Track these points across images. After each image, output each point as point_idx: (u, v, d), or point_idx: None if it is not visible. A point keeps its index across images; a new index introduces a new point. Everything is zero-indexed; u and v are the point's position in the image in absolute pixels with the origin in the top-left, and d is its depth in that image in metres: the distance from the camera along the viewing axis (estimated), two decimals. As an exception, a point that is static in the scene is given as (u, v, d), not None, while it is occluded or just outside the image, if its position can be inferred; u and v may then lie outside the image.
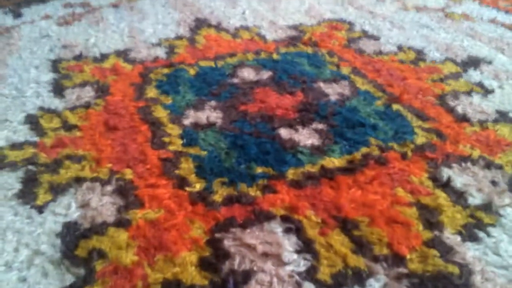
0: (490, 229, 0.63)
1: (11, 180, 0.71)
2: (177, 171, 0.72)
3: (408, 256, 0.58)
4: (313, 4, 1.54)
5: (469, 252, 0.59)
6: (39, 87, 0.98)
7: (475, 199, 0.68)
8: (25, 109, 0.89)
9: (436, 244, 0.60)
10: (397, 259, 0.58)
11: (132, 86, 0.98)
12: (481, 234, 0.62)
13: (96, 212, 0.64)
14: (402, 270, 0.56)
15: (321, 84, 0.99)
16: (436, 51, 1.18)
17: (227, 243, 0.59)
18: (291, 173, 0.72)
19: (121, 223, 0.62)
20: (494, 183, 0.71)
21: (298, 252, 0.58)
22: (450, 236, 0.61)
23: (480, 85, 1.01)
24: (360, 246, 0.59)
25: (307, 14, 1.45)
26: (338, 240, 0.60)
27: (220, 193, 0.68)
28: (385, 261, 0.57)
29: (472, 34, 1.31)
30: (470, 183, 0.71)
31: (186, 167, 0.73)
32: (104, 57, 1.12)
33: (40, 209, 0.65)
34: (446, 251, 0.59)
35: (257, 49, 1.16)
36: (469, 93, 0.98)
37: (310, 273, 0.56)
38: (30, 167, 0.73)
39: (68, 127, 0.83)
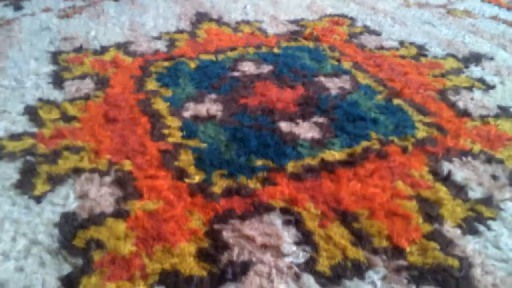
0: (490, 222, 0.62)
1: (10, 171, 0.70)
2: (176, 163, 0.72)
3: (407, 249, 0.57)
4: None
5: (469, 245, 0.58)
6: (39, 78, 0.97)
7: (475, 193, 0.68)
8: (24, 100, 0.89)
9: (436, 237, 0.59)
10: (397, 252, 0.57)
11: (132, 79, 0.97)
12: (481, 228, 0.61)
13: (94, 202, 0.64)
14: (402, 262, 0.56)
15: (322, 78, 0.99)
16: (437, 47, 1.18)
17: (226, 234, 0.59)
18: (291, 166, 0.72)
19: (120, 214, 0.62)
20: (494, 177, 0.71)
21: (297, 244, 0.58)
22: (450, 229, 0.61)
23: (482, 80, 1.01)
24: (360, 238, 0.59)
25: (308, 9, 1.44)
26: (338, 232, 0.60)
27: (219, 185, 0.67)
28: (385, 254, 0.57)
29: (474, 31, 1.30)
30: (470, 177, 0.71)
31: (186, 159, 0.73)
32: (104, 49, 1.11)
33: (38, 200, 0.65)
34: (446, 244, 0.58)
35: (258, 43, 1.16)
36: (470, 88, 0.97)
37: (309, 265, 0.55)
38: (28, 157, 0.73)
39: (67, 118, 0.83)
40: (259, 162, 0.72)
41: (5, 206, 0.64)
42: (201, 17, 1.34)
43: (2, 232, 0.59)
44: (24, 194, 0.66)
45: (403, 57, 1.11)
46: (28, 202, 0.64)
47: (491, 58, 1.12)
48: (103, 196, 0.65)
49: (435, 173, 0.71)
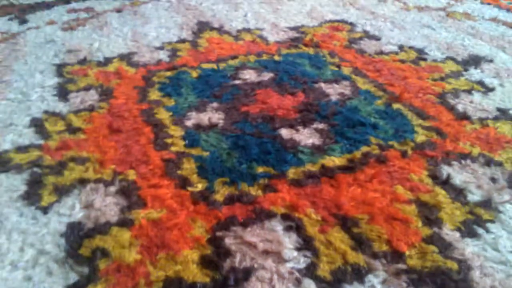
0: (489, 225, 0.63)
1: (17, 182, 0.72)
2: (179, 172, 0.73)
3: (407, 253, 0.58)
4: (315, 6, 1.55)
5: (468, 248, 0.59)
6: (44, 91, 0.99)
7: (474, 196, 0.69)
8: (30, 112, 0.91)
9: (435, 241, 0.60)
10: (396, 256, 0.58)
11: (135, 89, 0.99)
12: (480, 230, 0.62)
13: (99, 212, 0.65)
14: (401, 266, 0.57)
15: (322, 85, 1.00)
16: (437, 50, 1.19)
17: (228, 241, 0.60)
18: (292, 172, 0.73)
19: (124, 223, 0.63)
20: (493, 180, 0.72)
21: (298, 249, 0.59)
22: (449, 233, 0.61)
23: (481, 83, 1.02)
24: (360, 243, 0.60)
25: (308, 15, 1.46)
26: (338, 237, 0.61)
27: (221, 193, 0.69)
28: (385, 258, 0.58)
29: (473, 33, 1.31)
30: (469, 180, 0.72)
31: (188, 167, 0.74)
32: (108, 61, 1.13)
33: (45, 210, 0.66)
34: (445, 247, 0.59)
35: (259, 51, 1.17)
36: (469, 91, 0.98)
37: (310, 270, 0.56)
38: (35, 169, 0.75)
39: (72, 130, 0.85)
40: (260, 169, 0.73)
41: (13, 217, 0.65)
42: (202, 26, 1.36)
43: (10, 243, 0.61)
44: (31, 205, 0.67)
45: (402, 61, 1.12)
46: (35, 213, 0.66)
47: (491, 61, 1.13)
48: (108, 205, 0.67)
49: (434, 177, 0.72)
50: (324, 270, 0.56)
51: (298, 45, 1.21)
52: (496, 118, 0.88)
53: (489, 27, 1.36)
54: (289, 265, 0.57)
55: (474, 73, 1.07)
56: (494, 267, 0.57)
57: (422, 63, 1.12)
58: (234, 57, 1.14)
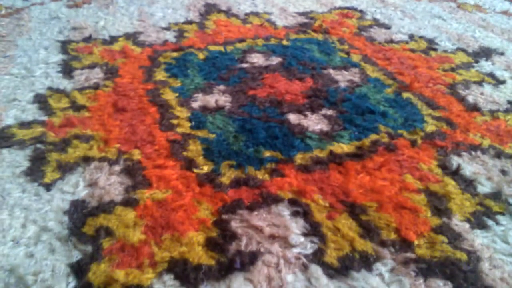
0: (499, 217, 0.62)
1: (19, 158, 0.71)
2: (185, 153, 0.72)
3: (416, 242, 0.57)
4: (324, -8, 1.52)
5: (478, 239, 0.58)
6: (48, 67, 0.98)
7: (484, 188, 0.68)
8: (34, 88, 0.89)
9: (444, 231, 0.59)
10: (405, 244, 0.57)
11: (141, 69, 0.97)
12: (490, 222, 0.61)
13: (103, 191, 0.64)
14: (410, 255, 0.56)
15: (331, 71, 0.98)
16: (447, 41, 1.17)
17: (234, 224, 0.59)
18: (299, 158, 0.72)
19: (129, 202, 0.62)
20: (503, 172, 0.71)
21: (305, 235, 0.58)
22: (458, 223, 0.61)
23: (492, 75, 1.00)
24: (368, 230, 0.59)
25: (318, 1, 1.44)
26: (346, 224, 0.60)
27: (228, 176, 0.67)
28: (393, 246, 0.57)
29: (484, 25, 1.29)
30: (479, 172, 0.71)
31: (194, 149, 0.73)
32: (113, 39, 1.12)
33: (48, 187, 0.65)
34: (454, 238, 0.58)
35: (267, 35, 1.16)
36: (480, 83, 0.97)
37: (317, 256, 0.55)
38: (38, 145, 0.73)
39: (76, 107, 0.83)
40: (267, 154, 0.72)
41: (15, 193, 0.64)
42: (209, 8, 1.34)
43: (12, 219, 0.60)
44: (34, 181, 0.66)
45: (412, 50, 1.11)
46: (38, 189, 0.65)
47: (502, 53, 1.11)
48: (112, 184, 0.66)
49: (444, 167, 0.71)
50: (331, 256, 0.55)
51: (307, 30, 1.19)
52: (506, 111, 0.87)
53: (500, 20, 1.34)
54: (296, 250, 0.56)
55: (485, 65, 1.05)
56: (504, 260, 0.56)
57: (433, 53, 1.10)
58: (242, 40, 1.12)
